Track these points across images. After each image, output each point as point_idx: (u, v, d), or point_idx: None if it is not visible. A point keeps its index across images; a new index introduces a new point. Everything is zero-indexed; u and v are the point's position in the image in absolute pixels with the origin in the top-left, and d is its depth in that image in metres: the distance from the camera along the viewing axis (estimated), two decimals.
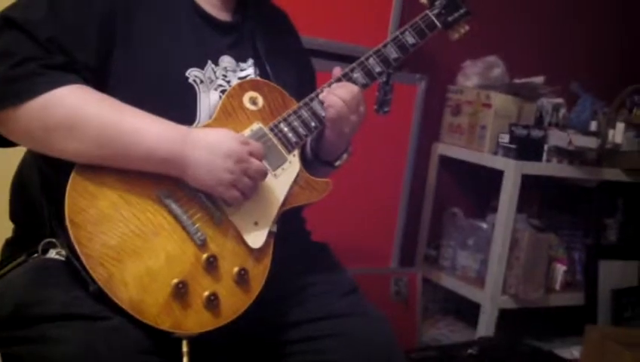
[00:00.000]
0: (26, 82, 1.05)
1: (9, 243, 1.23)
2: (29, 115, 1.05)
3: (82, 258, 1.02)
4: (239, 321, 1.11)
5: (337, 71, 1.33)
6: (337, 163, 1.38)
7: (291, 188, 1.24)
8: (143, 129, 1.09)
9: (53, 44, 1.08)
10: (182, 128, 1.12)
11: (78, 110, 1.06)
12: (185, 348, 1.04)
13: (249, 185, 1.15)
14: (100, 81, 1.13)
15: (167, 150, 1.09)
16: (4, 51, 1.06)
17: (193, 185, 1.13)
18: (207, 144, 1.11)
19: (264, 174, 1.17)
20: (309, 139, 1.34)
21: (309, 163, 1.37)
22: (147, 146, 1.08)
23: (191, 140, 1.11)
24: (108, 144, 1.07)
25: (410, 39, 1.36)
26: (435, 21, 1.39)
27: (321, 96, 1.29)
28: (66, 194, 1.04)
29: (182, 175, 1.11)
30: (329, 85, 1.30)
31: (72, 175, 1.06)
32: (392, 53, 1.35)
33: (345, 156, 1.39)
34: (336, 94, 1.28)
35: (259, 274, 1.15)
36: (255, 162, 1.15)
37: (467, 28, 1.44)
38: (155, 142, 1.09)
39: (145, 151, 1.09)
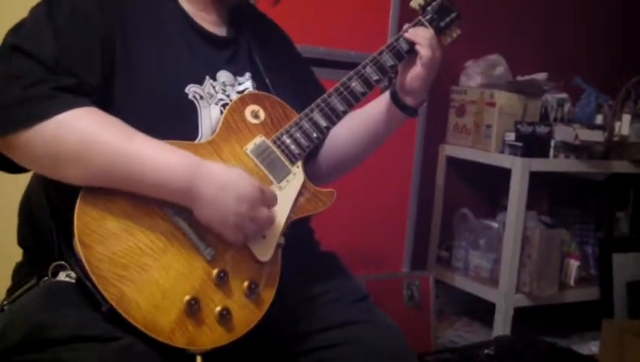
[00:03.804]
0: (37, 105, 1.05)
1: (20, 267, 1.23)
2: (41, 139, 1.05)
3: (93, 278, 1.02)
4: (252, 334, 1.11)
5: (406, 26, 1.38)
6: (420, 109, 1.42)
7: (296, 199, 1.24)
8: (154, 158, 1.08)
9: (63, 68, 1.09)
10: (194, 158, 1.11)
11: (88, 135, 1.06)
12: None
13: (254, 230, 1.14)
14: (105, 103, 1.13)
15: (179, 182, 1.08)
16: (16, 75, 1.06)
17: (198, 218, 1.11)
18: (221, 182, 1.10)
19: (271, 223, 1.16)
20: (395, 80, 1.38)
21: (392, 113, 1.40)
22: (158, 177, 1.08)
23: (204, 174, 1.09)
24: (117, 171, 1.07)
25: (404, 46, 1.36)
26: (428, 27, 1.39)
27: (406, 35, 1.34)
28: (75, 215, 1.05)
29: (190, 206, 1.11)
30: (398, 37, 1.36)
31: (80, 196, 1.06)
32: (388, 60, 1.35)
33: (425, 104, 1.42)
34: (419, 34, 1.34)
35: (269, 287, 1.15)
36: (265, 211, 1.14)
37: (459, 32, 1.44)
38: (167, 173, 1.08)
39: (155, 182, 1.08)
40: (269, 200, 1.15)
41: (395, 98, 1.39)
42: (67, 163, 1.06)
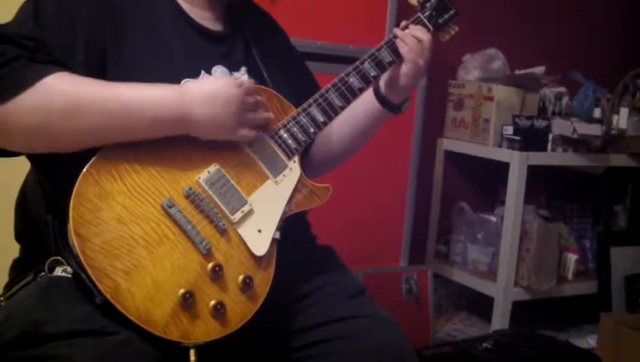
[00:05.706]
0: (15, 77, 1.04)
1: (16, 263, 1.23)
2: (26, 108, 1.04)
3: (88, 270, 1.02)
4: (246, 328, 1.11)
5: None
6: (403, 107, 1.42)
7: (292, 194, 1.24)
8: (143, 96, 1.10)
9: (41, 50, 1.09)
10: (175, 87, 1.14)
11: (75, 93, 1.07)
12: (193, 357, 1.05)
13: (255, 117, 1.19)
14: None
15: (169, 114, 1.11)
16: None
17: (203, 139, 1.15)
18: (205, 97, 1.13)
19: (263, 105, 1.22)
20: (382, 78, 1.38)
21: (376, 110, 1.40)
22: (150, 116, 1.10)
23: (189, 97, 1.12)
24: (114, 119, 1.08)
25: None
26: (427, 23, 1.39)
27: (398, 33, 1.34)
28: (70, 207, 1.04)
29: (189, 132, 1.14)
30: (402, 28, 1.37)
31: (75, 188, 1.06)
32: (387, 56, 1.35)
33: (408, 103, 1.43)
34: (413, 34, 1.35)
35: (264, 282, 1.16)
36: (251, 98, 1.19)
37: (457, 29, 1.44)
38: (156, 110, 1.10)
39: (149, 121, 1.10)
40: (249, 87, 1.19)
41: (378, 95, 1.39)
42: (59, 125, 1.06)
